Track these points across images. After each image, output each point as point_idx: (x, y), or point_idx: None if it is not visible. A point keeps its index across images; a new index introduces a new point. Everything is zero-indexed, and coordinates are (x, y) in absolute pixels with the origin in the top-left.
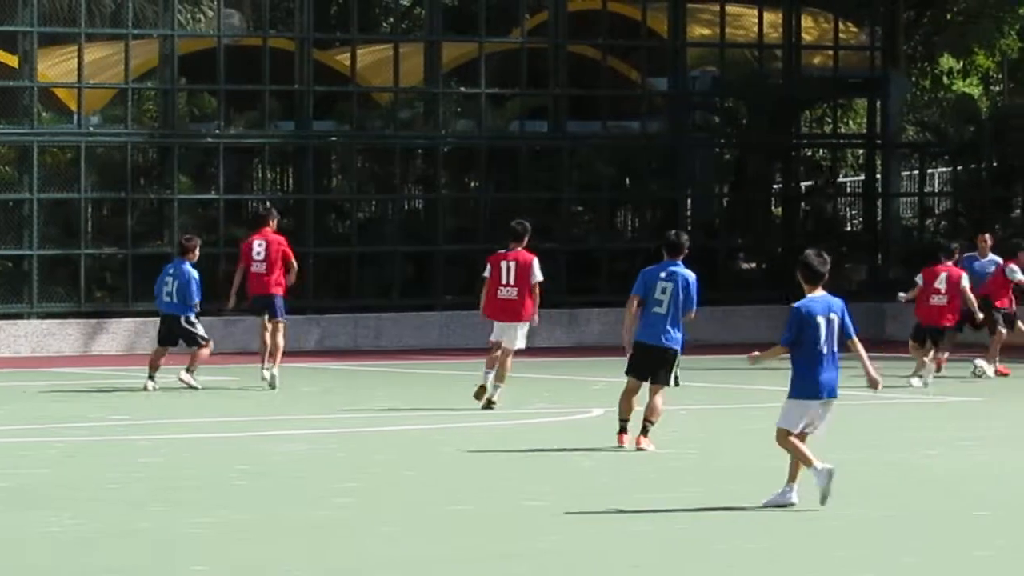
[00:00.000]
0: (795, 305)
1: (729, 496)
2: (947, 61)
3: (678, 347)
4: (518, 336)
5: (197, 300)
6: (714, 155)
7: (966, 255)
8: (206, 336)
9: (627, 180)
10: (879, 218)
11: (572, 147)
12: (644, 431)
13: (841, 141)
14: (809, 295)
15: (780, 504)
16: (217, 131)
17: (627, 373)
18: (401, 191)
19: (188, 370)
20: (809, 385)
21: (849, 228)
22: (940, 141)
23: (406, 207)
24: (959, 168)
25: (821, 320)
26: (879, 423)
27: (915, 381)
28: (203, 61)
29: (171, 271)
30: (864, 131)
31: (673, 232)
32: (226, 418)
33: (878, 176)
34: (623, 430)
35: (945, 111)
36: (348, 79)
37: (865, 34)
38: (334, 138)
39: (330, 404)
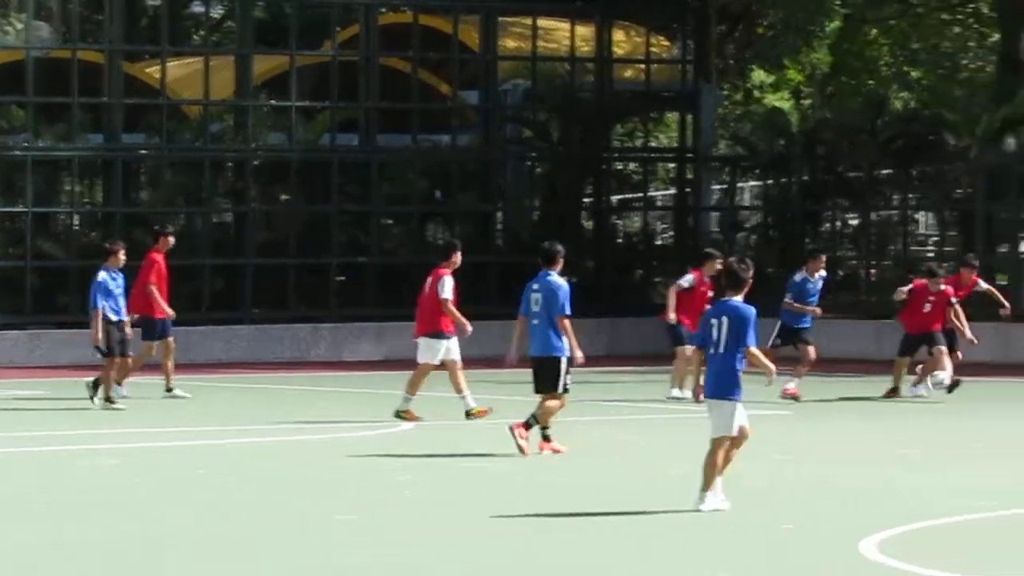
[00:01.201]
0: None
1: (541, 506)
2: (758, 75)
3: (560, 354)
4: (421, 350)
5: (93, 306)
6: (526, 169)
7: (796, 276)
8: (105, 349)
9: (438, 194)
10: (690, 231)
11: (383, 160)
12: (544, 438)
13: (653, 155)
14: (725, 299)
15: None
16: (26, 144)
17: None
18: (211, 204)
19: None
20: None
21: (660, 242)
22: (751, 155)
23: (216, 220)
24: (770, 182)
25: (713, 322)
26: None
27: (922, 388)
28: (11, 73)
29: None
30: (676, 145)
31: (546, 242)
32: (42, 432)
33: (689, 190)
34: (545, 438)
35: (756, 125)
36: (158, 92)
37: (677, 48)
38: (144, 151)
39: (137, 419)
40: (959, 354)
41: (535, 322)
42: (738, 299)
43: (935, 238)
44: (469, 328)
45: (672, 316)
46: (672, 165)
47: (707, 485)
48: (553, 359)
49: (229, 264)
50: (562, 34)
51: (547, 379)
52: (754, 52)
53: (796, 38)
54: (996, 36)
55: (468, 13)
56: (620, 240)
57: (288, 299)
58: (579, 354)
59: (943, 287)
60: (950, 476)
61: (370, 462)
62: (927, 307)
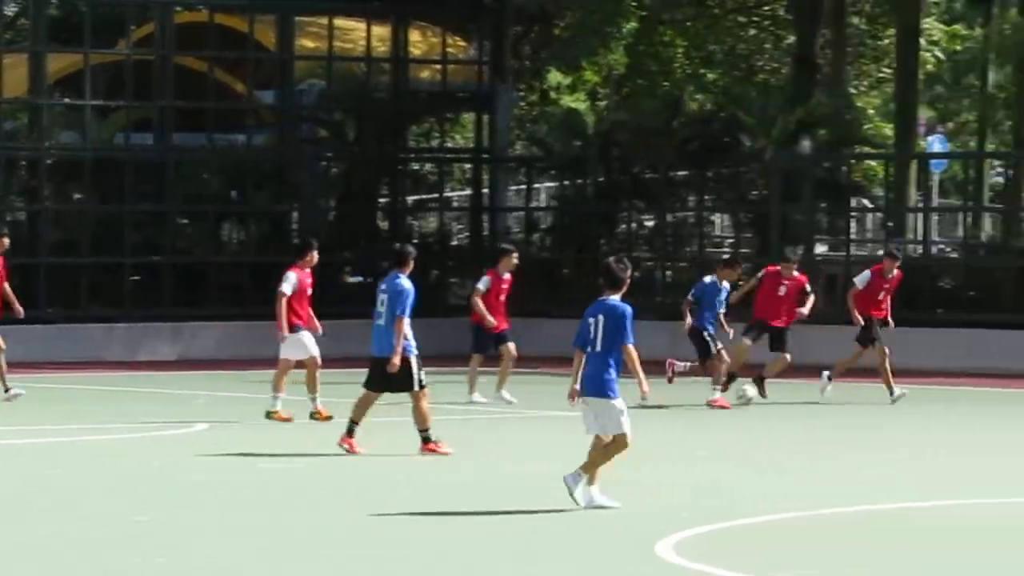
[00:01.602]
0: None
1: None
2: (554, 76)
3: (407, 352)
4: (284, 347)
5: None
6: (321, 169)
7: (706, 279)
8: None
9: (233, 193)
10: (486, 232)
11: (178, 159)
12: (424, 440)
13: (449, 155)
14: (603, 298)
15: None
16: None
17: (366, 387)
18: (4, 203)
19: None
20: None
21: (456, 242)
22: (547, 156)
23: (9, 219)
24: (566, 183)
25: (590, 321)
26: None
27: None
28: None
29: None
30: (472, 145)
31: (398, 244)
32: None
33: (485, 190)
34: (350, 432)
35: (552, 126)
36: None
37: (473, 48)
38: None
39: None
40: (886, 349)
41: (379, 322)
42: (615, 298)
43: (731, 240)
44: (285, 332)
45: (490, 319)
46: (468, 166)
47: (591, 479)
48: (402, 359)
49: (23, 264)
50: (358, 34)
51: (401, 379)
52: (550, 53)
53: (593, 39)
54: (791, 38)
55: (264, 13)
56: (416, 240)
57: (82, 299)
58: (396, 360)
59: (796, 274)
60: (764, 478)
61: (163, 462)
62: (782, 290)
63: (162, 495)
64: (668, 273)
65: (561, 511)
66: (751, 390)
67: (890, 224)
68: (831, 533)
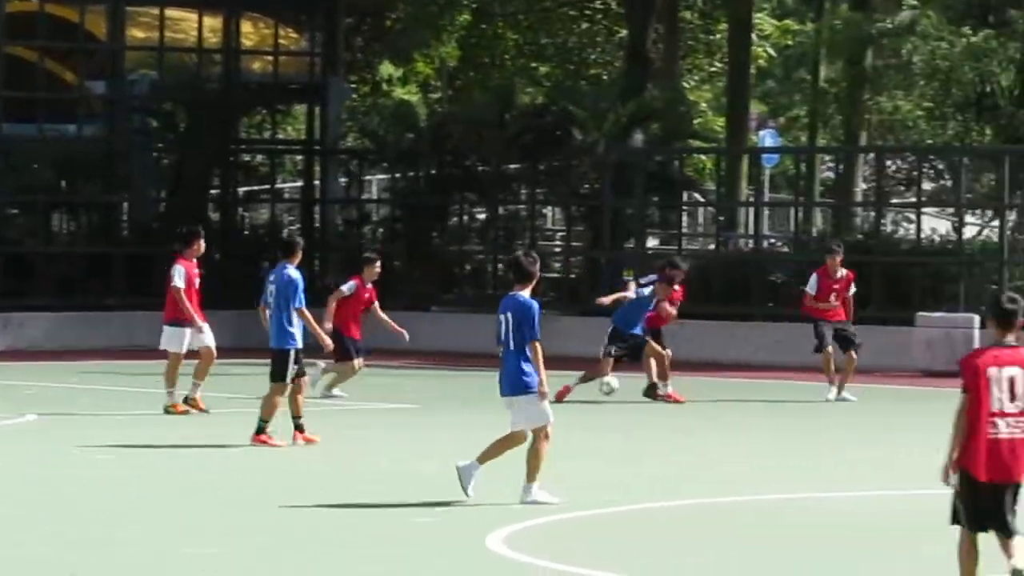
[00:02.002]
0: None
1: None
2: (387, 68)
3: (289, 346)
4: (165, 338)
5: None
6: (152, 159)
7: (642, 280)
8: None
9: (64, 183)
10: (317, 224)
11: (8, 149)
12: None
13: (280, 147)
14: (512, 293)
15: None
16: None
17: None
18: None
19: None
20: None
21: (287, 234)
22: (379, 148)
23: None
24: (398, 175)
25: (501, 318)
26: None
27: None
28: None
29: None
30: (303, 137)
31: (286, 233)
32: None
33: (317, 182)
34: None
35: (384, 118)
36: None
37: (305, 40)
38: None
39: None
40: (853, 353)
41: (270, 312)
42: (524, 293)
43: (562, 233)
44: (199, 323)
45: (328, 325)
46: (300, 157)
47: (531, 477)
48: (283, 351)
49: None
50: (190, 25)
51: (275, 370)
52: (383, 45)
53: (425, 32)
54: (623, 32)
55: (95, 3)
56: (247, 232)
57: None
58: (328, 342)
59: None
60: (603, 469)
61: None
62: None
63: None
64: (500, 266)
65: (399, 505)
66: (615, 382)
67: (721, 218)
68: (664, 526)
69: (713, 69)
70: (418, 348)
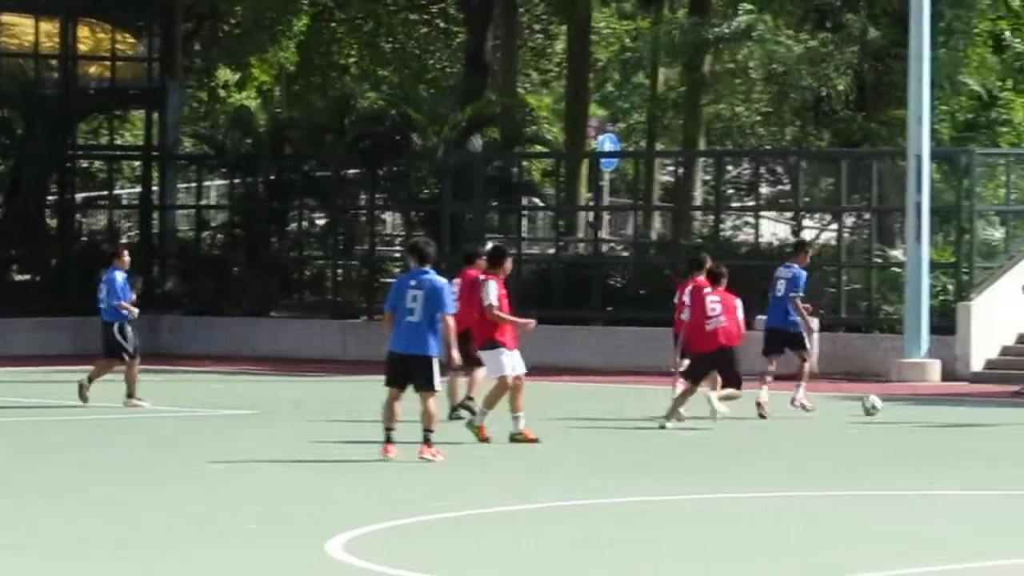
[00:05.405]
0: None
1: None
2: (225, 74)
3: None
4: None
5: None
6: None
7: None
8: None
9: None
10: (156, 230)
11: None
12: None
13: (118, 152)
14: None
15: None
16: None
17: None
18: None
19: None
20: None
21: (125, 240)
22: (218, 154)
23: None
24: (237, 181)
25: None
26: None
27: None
28: None
29: None
30: (141, 143)
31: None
32: None
33: (155, 188)
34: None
35: (223, 124)
36: None
37: (143, 45)
38: None
39: None
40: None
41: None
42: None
43: (401, 238)
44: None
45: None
46: (138, 163)
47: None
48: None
49: None
50: (25, 30)
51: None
52: (221, 50)
53: (262, 36)
54: (462, 37)
55: None
56: (85, 238)
57: None
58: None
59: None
60: (448, 474)
61: None
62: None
63: None
64: (339, 272)
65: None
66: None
67: (561, 223)
68: (501, 530)
69: (552, 74)
70: (257, 354)
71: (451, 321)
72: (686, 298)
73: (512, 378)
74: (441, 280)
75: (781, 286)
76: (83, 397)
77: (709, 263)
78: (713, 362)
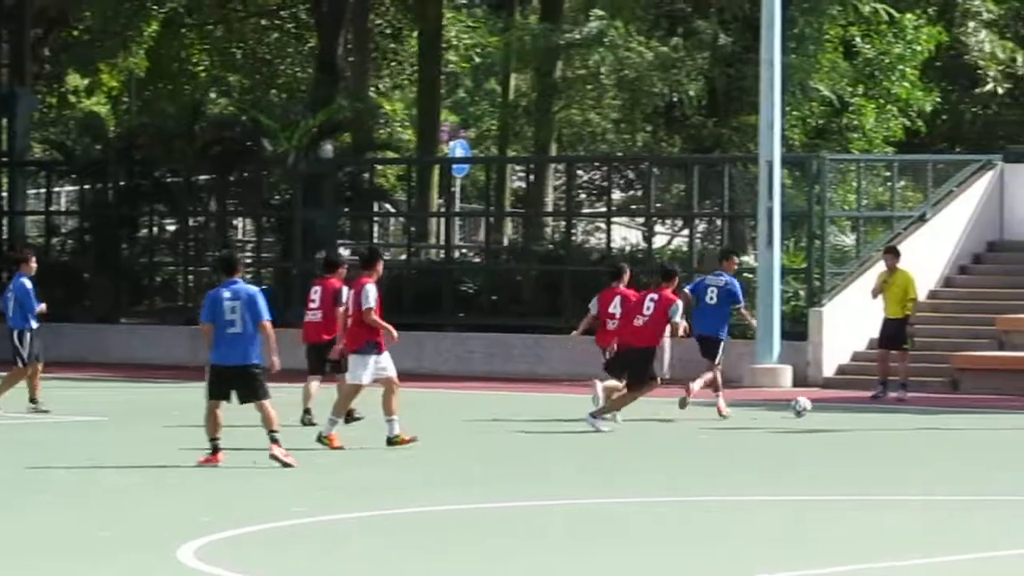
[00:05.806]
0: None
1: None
2: (75, 79)
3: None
4: None
5: None
6: None
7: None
8: None
9: None
10: (5, 237)
11: None
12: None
13: None
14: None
15: None
16: None
17: None
18: None
19: None
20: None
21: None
22: (67, 160)
23: None
24: (87, 187)
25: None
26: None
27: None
28: None
29: None
30: None
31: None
32: None
33: (4, 194)
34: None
35: (72, 129)
36: None
37: None
38: None
39: None
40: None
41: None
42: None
43: (253, 244)
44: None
45: None
46: None
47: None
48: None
49: None
50: None
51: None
52: (70, 56)
53: (112, 42)
54: (314, 42)
55: None
56: None
57: None
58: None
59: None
60: (304, 478)
61: None
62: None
63: None
64: (190, 278)
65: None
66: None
67: (413, 229)
68: (356, 536)
69: (404, 79)
70: (108, 360)
71: (269, 327)
72: (613, 309)
73: (386, 380)
74: (254, 288)
75: (713, 294)
76: None
77: (627, 274)
78: (622, 362)
